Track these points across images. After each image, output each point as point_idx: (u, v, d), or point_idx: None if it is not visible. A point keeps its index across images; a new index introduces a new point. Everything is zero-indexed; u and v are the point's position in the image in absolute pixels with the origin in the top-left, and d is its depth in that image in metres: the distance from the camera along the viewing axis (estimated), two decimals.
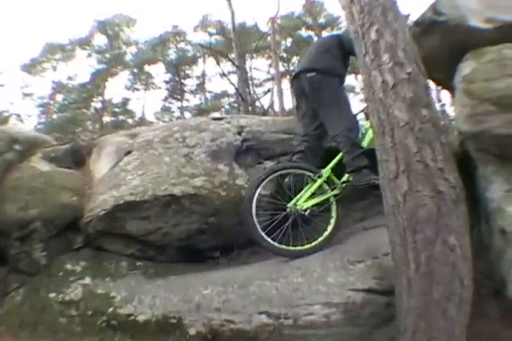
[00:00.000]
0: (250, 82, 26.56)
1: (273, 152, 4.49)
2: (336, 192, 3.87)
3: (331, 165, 3.92)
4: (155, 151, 4.26)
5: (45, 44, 30.35)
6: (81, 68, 37.15)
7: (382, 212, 3.35)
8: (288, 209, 3.69)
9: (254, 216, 3.53)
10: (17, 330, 3.47)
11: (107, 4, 51.37)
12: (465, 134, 4.11)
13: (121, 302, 3.44)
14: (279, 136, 4.54)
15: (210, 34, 29.31)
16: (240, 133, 4.57)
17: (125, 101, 31.84)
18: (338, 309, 2.93)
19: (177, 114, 32.03)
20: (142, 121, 30.73)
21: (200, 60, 30.88)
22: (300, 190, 3.84)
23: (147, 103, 49.68)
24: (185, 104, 32.25)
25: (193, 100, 32.87)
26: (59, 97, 30.87)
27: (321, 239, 3.68)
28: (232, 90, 24.35)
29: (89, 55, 30.89)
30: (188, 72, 32.18)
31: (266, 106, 24.47)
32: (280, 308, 3.01)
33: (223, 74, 22.27)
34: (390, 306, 2.78)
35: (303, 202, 3.76)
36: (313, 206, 3.78)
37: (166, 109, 32.83)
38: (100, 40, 30.96)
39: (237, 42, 18.53)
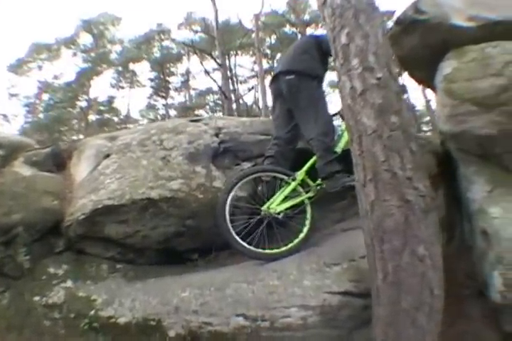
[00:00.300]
0: (235, 79, 26.67)
1: (251, 153, 4.51)
2: (310, 194, 3.88)
3: (306, 167, 3.94)
4: (133, 154, 4.27)
5: (32, 44, 30.39)
6: (66, 67, 36.83)
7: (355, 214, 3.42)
8: (262, 213, 3.71)
9: (228, 221, 3.56)
10: (4, 333, 3.49)
11: (92, 3, 50.98)
12: (446, 134, 4.12)
13: (103, 305, 3.47)
14: (256, 138, 4.56)
15: (195, 32, 29.30)
16: (217, 135, 4.58)
17: (110, 100, 31.95)
18: (314, 311, 2.98)
19: (162, 111, 32.18)
20: (127, 119, 30.96)
21: (185, 58, 30.97)
22: (274, 193, 3.86)
23: (132, 101, 49.75)
24: (170, 101, 32.51)
25: (178, 97, 33.22)
26: (45, 97, 30.96)
27: (296, 241, 3.69)
28: (217, 87, 24.46)
29: (75, 54, 31.05)
30: (172, 69, 32.39)
31: (250, 103, 24.58)
32: (257, 311, 3.05)
33: (206, 72, 22.22)
34: (367, 308, 2.79)
35: (276, 205, 3.77)
36: (287, 209, 3.80)
37: (151, 107, 32.97)
38: (85, 39, 31.07)
39: (220, 41, 18.70)
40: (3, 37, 45.95)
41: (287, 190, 3.86)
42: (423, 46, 4.30)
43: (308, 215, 3.84)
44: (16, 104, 30.52)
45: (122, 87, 32.40)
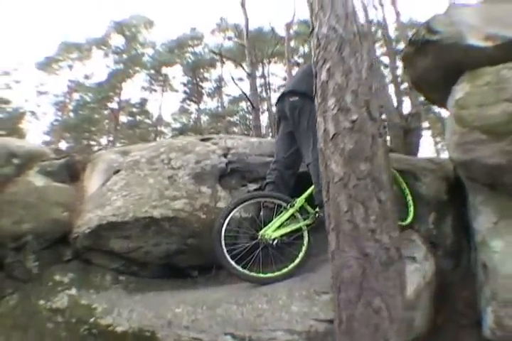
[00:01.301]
0: (268, 87, 26.60)
1: (257, 174, 4.57)
2: (308, 221, 3.85)
3: (305, 194, 3.92)
4: (141, 172, 4.39)
5: (61, 43, 30.74)
6: (98, 68, 37.44)
7: None
8: (258, 238, 3.72)
9: (223, 245, 3.58)
10: (10, 332, 3.70)
11: (124, 4, 51.49)
12: (455, 162, 4.00)
13: (102, 314, 3.61)
14: (263, 159, 4.64)
15: (228, 38, 29.36)
16: (225, 155, 4.65)
17: (143, 102, 32.14)
18: (300, 336, 3.00)
19: (194, 115, 32.20)
20: (159, 122, 30.99)
21: (218, 64, 31.00)
22: (272, 219, 3.84)
23: (164, 104, 49.88)
24: (202, 106, 32.42)
25: (211, 103, 33.10)
26: (75, 96, 31.18)
27: (291, 266, 3.69)
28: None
29: (106, 55, 31.23)
30: (206, 75, 32.36)
31: None
32: (245, 331, 3.09)
33: (234, 81, 22.20)
34: None
35: (272, 231, 3.75)
36: (283, 235, 3.79)
37: (183, 111, 33.11)
38: (117, 40, 31.27)
39: (250, 49, 18.54)
40: (32, 34, 46.58)
41: (284, 216, 3.84)
42: (436, 68, 4.19)
43: (305, 241, 3.82)
44: (44, 102, 30.88)
45: (154, 90, 32.61)
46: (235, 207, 3.77)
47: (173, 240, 4.06)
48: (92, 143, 30.51)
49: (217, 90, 32.20)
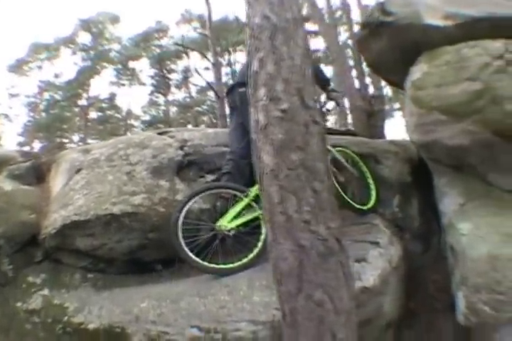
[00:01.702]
0: (234, 75, 26.51)
1: (214, 165, 4.59)
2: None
3: None
4: (100, 170, 4.45)
5: (31, 44, 30.33)
6: (66, 66, 36.84)
7: None
8: (214, 230, 3.74)
9: (180, 238, 3.62)
10: None
11: (90, 2, 50.74)
12: (415, 144, 4.00)
13: (74, 312, 3.71)
14: (219, 149, 4.69)
15: (194, 28, 29.10)
16: (182, 148, 4.69)
17: (112, 97, 31.82)
18: (264, 326, 3.03)
19: (163, 107, 32.10)
20: (129, 116, 30.92)
21: (185, 55, 30.87)
22: (228, 210, 3.85)
23: (133, 98, 49.59)
24: (171, 97, 32.30)
25: (179, 94, 32.92)
26: (46, 96, 30.94)
27: (251, 256, 3.70)
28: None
29: (74, 53, 30.84)
30: (172, 66, 32.06)
31: None
32: (209, 323, 3.12)
33: (197, 72, 22.10)
34: None
35: (228, 222, 3.77)
36: (239, 225, 3.79)
37: (152, 103, 32.76)
38: (84, 38, 30.90)
39: (213, 40, 18.49)
40: (2, 38, 45.83)
41: (239, 206, 3.85)
42: (392, 49, 4.14)
43: (263, 231, 3.69)
44: (16, 104, 30.65)
45: (123, 85, 32.20)
46: (189, 200, 3.81)
47: (135, 235, 4.12)
48: (65, 140, 30.32)
49: (185, 81, 31.90)
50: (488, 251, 3.30)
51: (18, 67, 30.42)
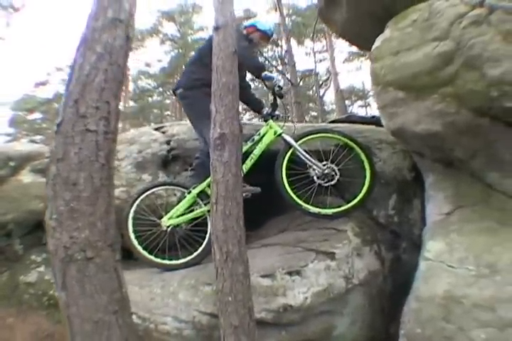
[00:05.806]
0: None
1: None
2: (209, 207, 3.34)
3: (207, 180, 3.70)
4: None
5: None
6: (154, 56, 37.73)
7: (284, 230, 4.07)
8: (159, 226, 3.86)
9: (130, 232, 3.80)
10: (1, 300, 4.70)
11: None
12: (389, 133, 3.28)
13: None
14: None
15: (289, 15, 29.09)
16: (168, 143, 4.85)
17: None
18: (187, 325, 3.16)
19: None
20: None
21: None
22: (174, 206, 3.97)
23: None
24: None
25: None
26: (141, 83, 31.91)
27: (196, 253, 3.76)
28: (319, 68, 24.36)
29: (163, 42, 31.51)
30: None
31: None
32: (144, 313, 3.30)
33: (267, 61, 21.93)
34: None
35: (171, 218, 3.88)
36: (184, 222, 3.90)
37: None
38: (169, 28, 31.22)
39: (284, 27, 18.53)
40: None
41: (184, 203, 3.92)
42: (357, 18, 3.65)
43: (208, 228, 3.65)
44: None
45: None
46: (138, 196, 3.99)
47: None
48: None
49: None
50: (447, 290, 2.48)
51: None
